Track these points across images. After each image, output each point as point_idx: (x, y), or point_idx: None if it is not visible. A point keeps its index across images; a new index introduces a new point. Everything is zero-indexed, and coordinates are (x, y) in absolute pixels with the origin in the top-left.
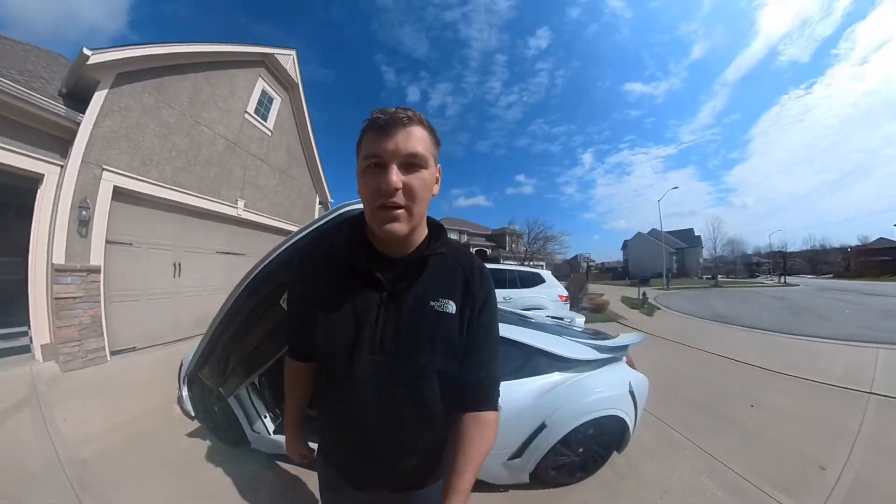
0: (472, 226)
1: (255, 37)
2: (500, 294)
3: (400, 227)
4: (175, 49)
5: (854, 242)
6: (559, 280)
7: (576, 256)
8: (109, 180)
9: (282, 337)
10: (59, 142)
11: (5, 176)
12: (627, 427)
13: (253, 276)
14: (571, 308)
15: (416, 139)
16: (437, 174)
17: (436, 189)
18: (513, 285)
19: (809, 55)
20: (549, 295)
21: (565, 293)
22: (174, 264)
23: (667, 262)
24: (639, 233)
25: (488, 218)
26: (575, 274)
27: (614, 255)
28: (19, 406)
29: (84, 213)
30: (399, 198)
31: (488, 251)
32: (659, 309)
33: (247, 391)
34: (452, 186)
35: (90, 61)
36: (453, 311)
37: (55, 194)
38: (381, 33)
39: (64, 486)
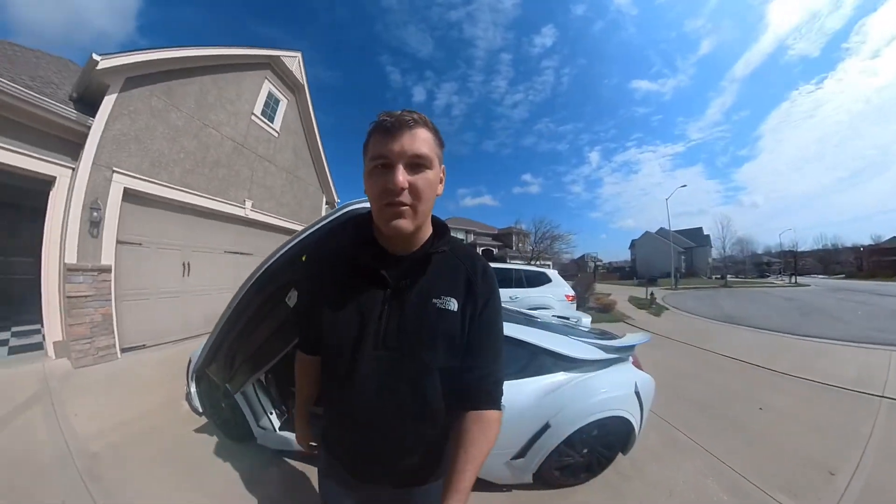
0: (479, 225)
1: (261, 39)
2: (506, 293)
3: (406, 224)
4: (182, 53)
5: (867, 241)
6: (566, 279)
7: (583, 256)
8: (120, 182)
9: (287, 334)
10: (70, 145)
11: (19, 179)
12: (633, 428)
13: (259, 273)
14: (578, 308)
15: (421, 141)
16: (442, 174)
17: (440, 189)
18: (519, 285)
19: (819, 49)
20: (556, 294)
21: (572, 293)
22: (183, 264)
23: (675, 262)
24: (647, 232)
25: (495, 217)
26: (582, 273)
27: (622, 255)
28: (32, 401)
29: (95, 214)
30: (405, 197)
31: (495, 251)
32: (667, 309)
33: (253, 388)
34: (459, 186)
35: (99, 66)
36: (455, 309)
37: (67, 196)
38: (385, 34)
39: (74, 478)
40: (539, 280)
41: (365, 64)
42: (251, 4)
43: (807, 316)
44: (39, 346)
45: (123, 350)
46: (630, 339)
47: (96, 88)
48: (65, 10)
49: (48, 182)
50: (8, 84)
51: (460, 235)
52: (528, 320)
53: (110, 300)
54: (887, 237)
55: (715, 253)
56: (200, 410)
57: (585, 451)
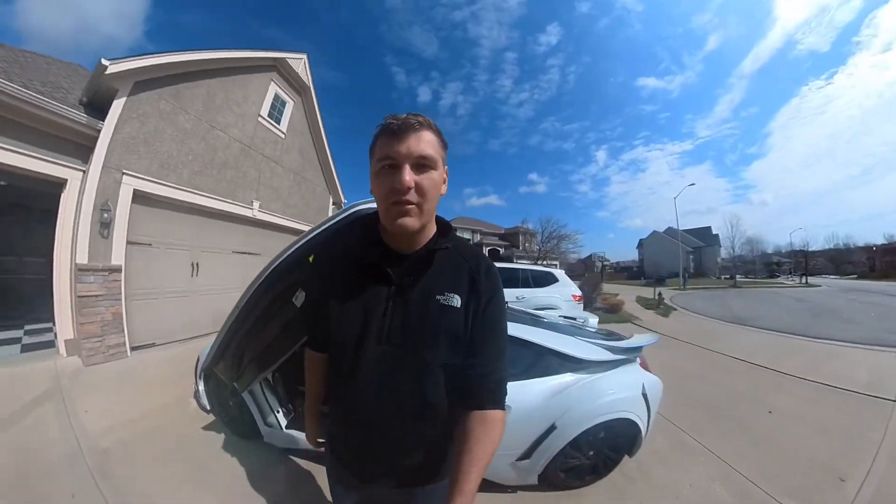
0: (485, 225)
1: (267, 42)
2: (513, 293)
3: (412, 222)
4: (189, 57)
5: (880, 241)
6: (573, 279)
7: (590, 255)
8: (129, 184)
9: (294, 333)
10: (80, 148)
11: (31, 181)
12: (639, 430)
13: (267, 273)
14: (585, 308)
15: (426, 142)
16: (445, 175)
17: (444, 189)
18: (525, 284)
19: (829, 43)
20: (563, 294)
21: (579, 293)
22: (192, 264)
23: (683, 262)
24: (654, 231)
25: (501, 217)
26: (589, 273)
27: (629, 254)
28: (44, 398)
29: (105, 215)
30: (411, 195)
31: (501, 250)
32: (675, 310)
33: (260, 387)
34: (465, 186)
35: (108, 71)
36: (458, 305)
37: (78, 198)
38: (390, 35)
39: (84, 474)
40: (546, 280)
41: (370, 65)
42: (256, 7)
43: (818, 317)
44: (51, 344)
45: (133, 348)
46: (638, 339)
47: (105, 93)
48: (74, 17)
49: (59, 184)
50: (20, 90)
51: (467, 235)
52: (535, 320)
53: (120, 299)
54: None
55: (724, 252)
56: (208, 408)
57: (591, 453)
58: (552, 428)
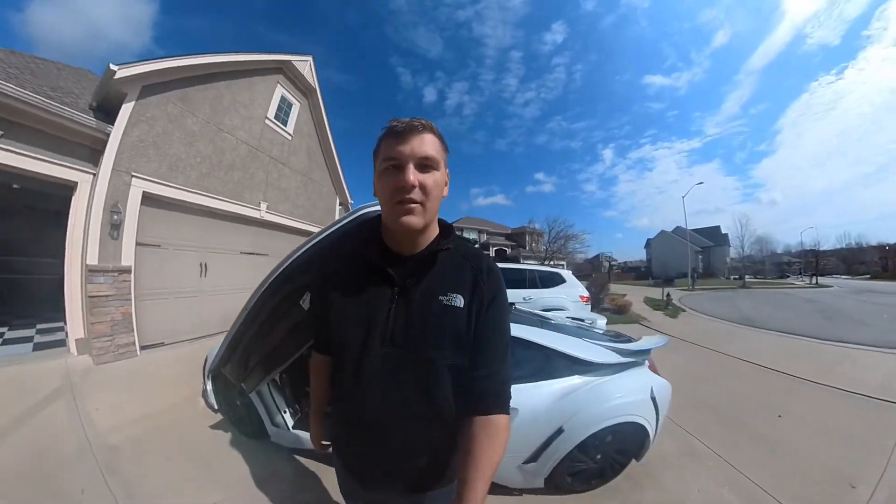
0: (492, 225)
1: (273, 45)
2: (520, 294)
3: (416, 221)
4: (196, 61)
5: (893, 240)
6: (580, 279)
7: (597, 255)
8: (139, 186)
9: (301, 335)
10: (90, 152)
11: (42, 184)
12: (648, 434)
13: (275, 276)
14: (593, 309)
15: (428, 144)
16: (447, 178)
17: (445, 191)
18: (532, 285)
19: (839, 37)
20: (570, 295)
21: (586, 294)
22: (200, 264)
23: (692, 262)
24: (662, 231)
25: (508, 217)
26: (596, 273)
27: (637, 254)
28: (55, 395)
29: (115, 217)
30: (415, 194)
31: (508, 250)
32: (683, 311)
33: (268, 387)
34: (471, 185)
35: (117, 76)
36: (461, 305)
37: (88, 200)
38: (395, 36)
39: (94, 470)
40: (553, 280)
41: (376, 66)
42: (262, 11)
43: (829, 319)
44: (62, 343)
45: (143, 347)
46: (646, 342)
47: (114, 97)
48: (83, 24)
49: (70, 187)
50: (31, 95)
51: (473, 235)
52: (542, 322)
53: (130, 300)
54: None
55: (733, 252)
56: (216, 407)
57: (599, 456)
58: (559, 431)
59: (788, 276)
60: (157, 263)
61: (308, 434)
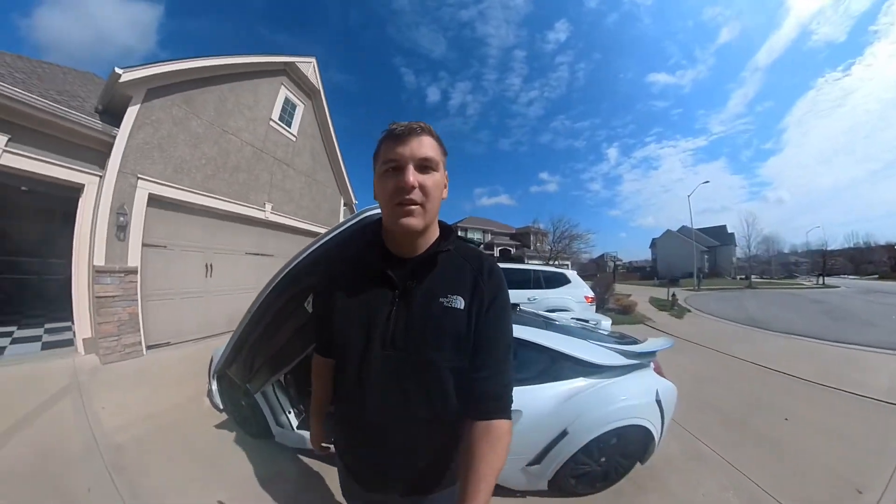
0: (496, 224)
1: (276, 46)
2: (525, 294)
3: (416, 221)
4: (200, 63)
5: None
6: (585, 279)
7: (602, 255)
8: (144, 188)
9: (306, 337)
10: (97, 154)
11: (50, 187)
12: (653, 437)
13: (280, 278)
14: (598, 309)
15: (427, 146)
16: (446, 180)
17: (445, 193)
18: (537, 285)
19: (845, 33)
20: (575, 296)
21: (591, 294)
22: (206, 265)
23: (698, 262)
24: (668, 230)
25: (512, 217)
26: (601, 273)
27: (642, 254)
28: (62, 394)
29: (122, 218)
30: (415, 195)
31: (512, 250)
32: (689, 311)
33: (272, 387)
34: (475, 185)
35: (122, 79)
36: (462, 307)
37: (95, 202)
38: (398, 36)
39: (100, 468)
40: (558, 281)
41: (379, 66)
42: (265, 13)
43: (837, 320)
44: (70, 343)
45: (149, 347)
46: (652, 344)
47: (120, 100)
48: (90, 29)
49: (77, 189)
50: (39, 100)
51: (477, 235)
52: (547, 323)
53: (136, 300)
54: None
55: (739, 252)
56: (221, 407)
57: (603, 459)
58: (563, 433)
59: (796, 277)
60: (162, 264)
61: None
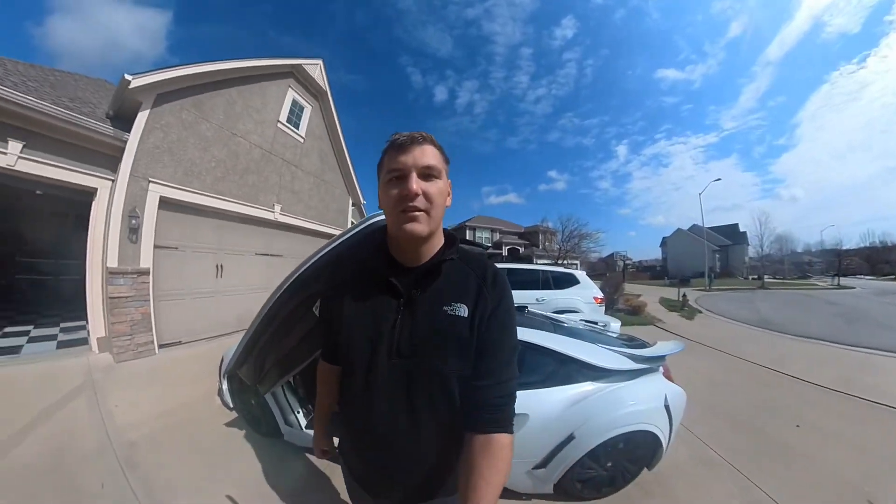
0: (504, 224)
1: (283, 49)
2: (533, 295)
3: (421, 228)
4: (208, 68)
5: None
6: (594, 279)
7: (611, 254)
8: (156, 191)
9: (314, 341)
10: (109, 159)
11: (63, 191)
12: (660, 443)
13: (289, 283)
14: (607, 310)
15: (430, 154)
16: (449, 188)
17: (448, 200)
18: (546, 286)
19: (860, 24)
20: (584, 297)
21: (600, 295)
22: (216, 266)
23: (709, 261)
24: (678, 229)
25: (520, 215)
26: (611, 273)
27: (652, 253)
28: (77, 392)
29: (134, 221)
30: (419, 202)
31: (521, 249)
32: (700, 312)
33: (282, 388)
34: (483, 184)
35: (132, 85)
36: (465, 315)
37: (108, 206)
38: (404, 36)
39: (113, 464)
40: (567, 281)
41: (385, 66)
42: (272, 16)
43: (852, 323)
44: (84, 342)
45: (161, 346)
46: (661, 348)
47: (130, 105)
48: (100, 36)
49: (90, 193)
50: (51, 107)
51: (486, 234)
52: (555, 326)
53: (149, 300)
54: None
55: (752, 251)
56: (231, 406)
57: (610, 464)
58: (570, 438)
59: (810, 277)
60: (174, 265)
61: None
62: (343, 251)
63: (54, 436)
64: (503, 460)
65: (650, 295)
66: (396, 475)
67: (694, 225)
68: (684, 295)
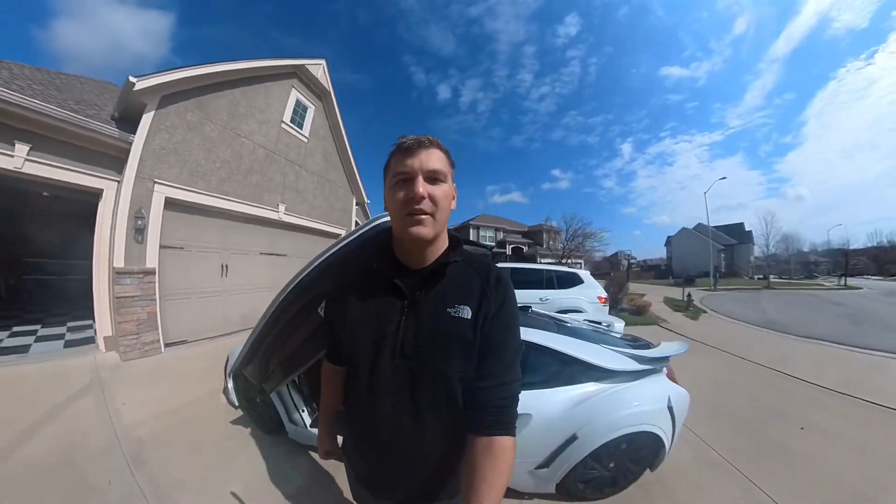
0: (508, 223)
1: (286, 50)
2: (537, 294)
3: (426, 231)
4: (212, 69)
5: None
6: (598, 278)
7: (616, 253)
8: (161, 192)
9: (319, 341)
10: (114, 160)
11: (70, 192)
12: (663, 444)
13: (295, 283)
14: (611, 310)
15: (436, 158)
16: (454, 191)
17: (453, 204)
18: (550, 285)
19: (867, 19)
20: (588, 296)
21: (604, 294)
22: (221, 265)
23: (714, 261)
24: (683, 228)
25: (524, 214)
26: (615, 272)
27: (657, 252)
28: (85, 390)
29: (140, 222)
30: (425, 205)
31: (525, 248)
32: (705, 312)
33: (287, 386)
34: (487, 183)
35: (136, 87)
36: (469, 316)
37: (114, 206)
38: (407, 34)
39: (121, 461)
40: (570, 281)
41: (388, 65)
42: (275, 17)
43: (859, 324)
44: (91, 341)
45: (167, 345)
46: (665, 348)
47: (135, 107)
48: (104, 39)
49: (96, 194)
50: (57, 110)
51: (489, 233)
52: (559, 326)
53: (155, 300)
54: None
55: (757, 251)
56: (236, 404)
57: (612, 465)
58: (573, 438)
59: (816, 277)
60: (180, 265)
61: None
62: (348, 253)
63: (63, 433)
64: (506, 463)
65: (655, 294)
66: (399, 476)
67: (699, 224)
68: (689, 295)
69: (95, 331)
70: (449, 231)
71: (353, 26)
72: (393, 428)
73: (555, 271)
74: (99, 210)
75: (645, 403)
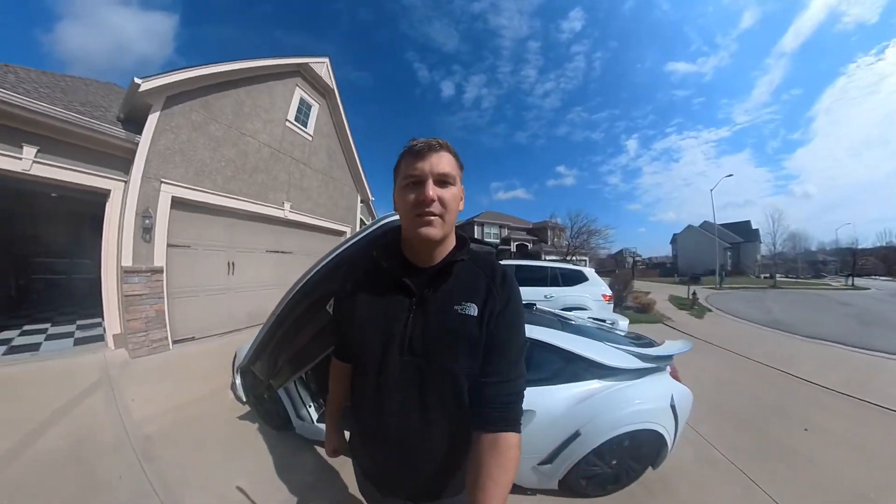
0: (513, 219)
1: (290, 48)
2: (542, 292)
3: (435, 232)
4: (216, 69)
5: None
6: (602, 275)
7: (621, 251)
8: (168, 191)
9: (327, 338)
10: (121, 161)
11: (78, 193)
12: (665, 443)
13: (304, 282)
14: (615, 308)
15: (445, 161)
16: (462, 193)
17: (461, 205)
18: (554, 283)
19: (878, 14)
20: (592, 294)
21: (609, 292)
22: (228, 263)
23: (720, 259)
24: (689, 225)
25: (529, 211)
26: (620, 269)
27: (662, 250)
28: (94, 387)
29: (147, 221)
30: (435, 207)
31: (529, 245)
32: (710, 311)
33: (294, 382)
34: (492, 180)
35: (141, 88)
36: (475, 314)
37: (121, 206)
38: (410, 31)
39: (131, 457)
40: (575, 279)
41: (392, 62)
42: (277, 16)
43: (867, 325)
44: (101, 338)
45: (175, 342)
46: (669, 347)
47: (140, 108)
48: (109, 41)
49: (104, 194)
50: (63, 112)
51: (494, 230)
52: (563, 324)
53: (163, 298)
54: None
55: (764, 249)
56: (244, 400)
57: (614, 462)
58: (576, 435)
59: (824, 276)
60: (187, 263)
61: None
62: (356, 251)
63: (73, 430)
64: (511, 459)
65: (660, 292)
66: (406, 472)
67: (705, 221)
68: (694, 293)
69: (104, 329)
70: (456, 230)
71: (356, 24)
72: (400, 424)
73: (559, 268)
74: (106, 210)
75: (648, 401)
